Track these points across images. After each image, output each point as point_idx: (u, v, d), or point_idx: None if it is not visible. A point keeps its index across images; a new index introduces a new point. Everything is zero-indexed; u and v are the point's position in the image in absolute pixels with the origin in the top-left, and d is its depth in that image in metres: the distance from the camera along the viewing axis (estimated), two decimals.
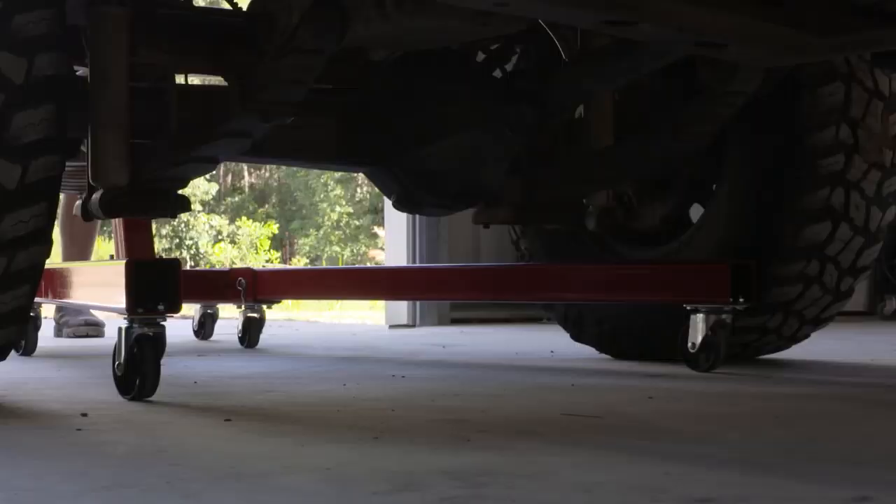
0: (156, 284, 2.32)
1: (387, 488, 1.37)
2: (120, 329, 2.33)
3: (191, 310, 4.56)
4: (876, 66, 2.97)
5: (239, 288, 4.04)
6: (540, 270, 3.47)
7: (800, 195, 3.02)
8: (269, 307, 4.26)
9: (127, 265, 2.34)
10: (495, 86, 2.94)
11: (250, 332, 4.13)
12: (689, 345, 2.96)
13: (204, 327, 4.47)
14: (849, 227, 3.05)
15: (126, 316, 2.32)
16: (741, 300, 2.88)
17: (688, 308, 2.96)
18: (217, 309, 4.52)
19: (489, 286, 3.57)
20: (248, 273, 4.13)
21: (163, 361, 2.31)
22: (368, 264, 19.34)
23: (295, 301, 9.71)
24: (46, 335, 4.53)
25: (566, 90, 2.90)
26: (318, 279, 4.38)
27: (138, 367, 2.29)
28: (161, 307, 2.31)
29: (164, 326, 2.34)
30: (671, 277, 3.04)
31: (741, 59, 2.56)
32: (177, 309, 2.34)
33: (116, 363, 2.34)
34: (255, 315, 4.14)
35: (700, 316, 2.94)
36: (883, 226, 3.13)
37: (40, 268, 2.23)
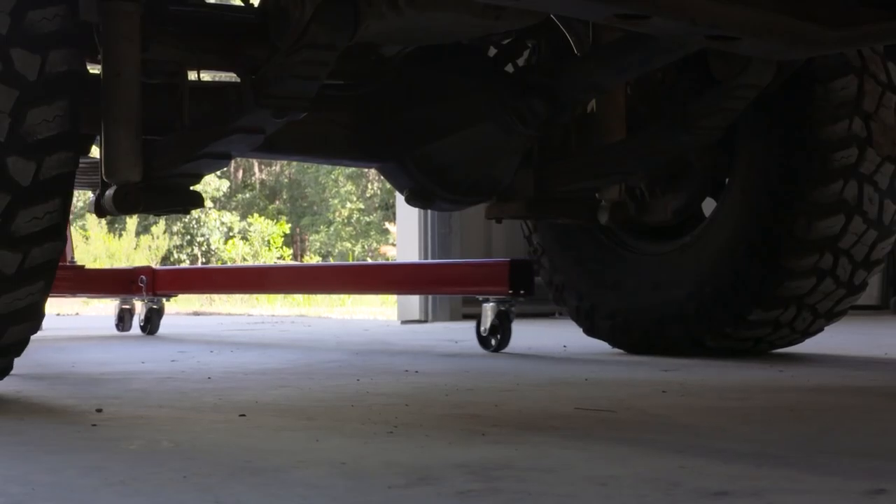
0: None
1: (402, 482, 1.38)
2: None
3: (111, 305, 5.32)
4: (889, 59, 2.97)
5: (141, 284, 4.72)
6: (356, 269, 4.66)
7: (812, 188, 3.01)
8: (167, 300, 4.94)
9: None
10: (507, 80, 2.94)
11: (151, 321, 4.80)
12: (482, 329, 3.53)
13: (123, 321, 4.98)
14: (862, 220, 3.04)
15: None
16: (521, 292, 3.37)
17: (480, 299, 3.51)
18: (134, 304, 4.98)
19: (301, 282, 4.64)
20: (149, 271, 4.85)
21: (175, 357, 2.31)
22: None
23: (306, 297, 9.81)
24: (63, 327, 4.57)
25: (577, 84, 2.89)
26: (203, 277, 5.25)
27: None
28: None
29: None
30: (465, 273, 3.68)
31: (754, 52, 2.55)
32: None
33: None
34: (155, 307, 4.81)
35: (489, 305, 3.49)
36: None
37: (55, 264, 2.23)
